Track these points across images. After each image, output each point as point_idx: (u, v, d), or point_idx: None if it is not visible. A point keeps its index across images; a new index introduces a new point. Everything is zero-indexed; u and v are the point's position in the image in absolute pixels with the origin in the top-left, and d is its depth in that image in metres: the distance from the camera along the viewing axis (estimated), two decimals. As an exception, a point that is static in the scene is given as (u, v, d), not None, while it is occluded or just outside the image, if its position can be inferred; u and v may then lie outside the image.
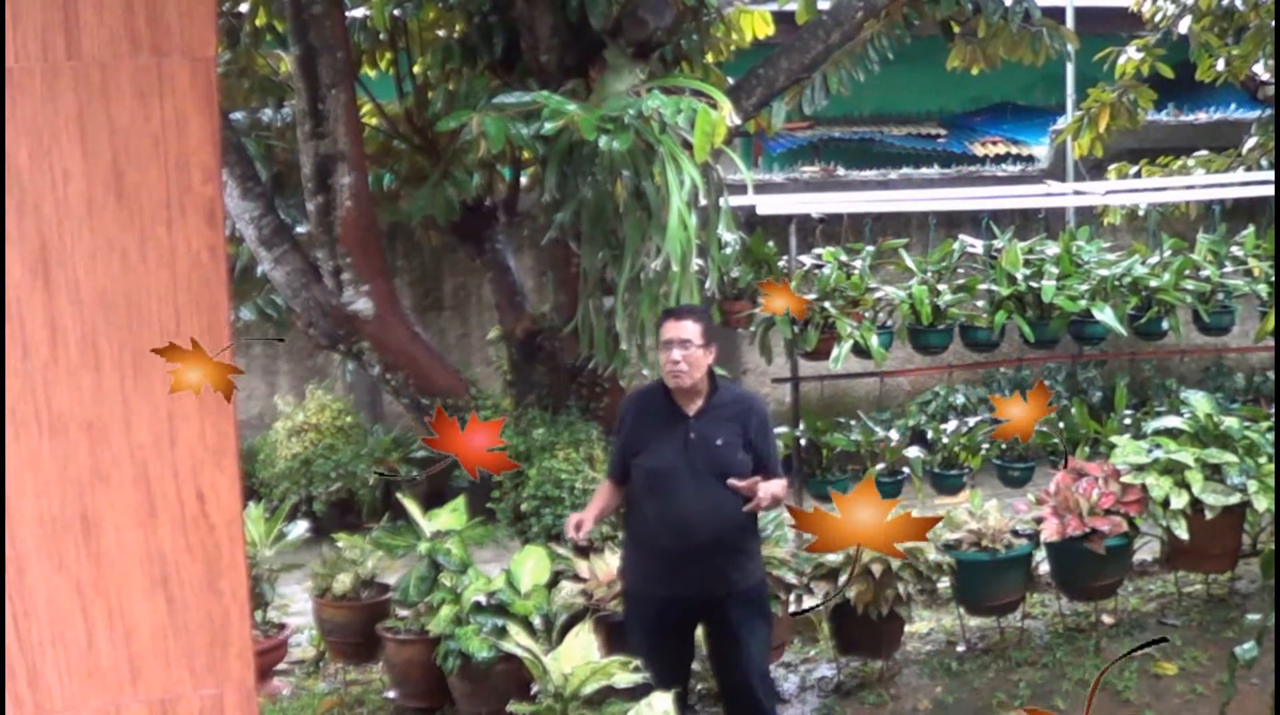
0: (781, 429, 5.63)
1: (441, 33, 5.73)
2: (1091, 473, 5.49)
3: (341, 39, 4.97)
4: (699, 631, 4.21)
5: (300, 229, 5.60)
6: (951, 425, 6.53)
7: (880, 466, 6.10)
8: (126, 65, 1.18)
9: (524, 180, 5.91)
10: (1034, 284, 6.08)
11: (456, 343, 9.04)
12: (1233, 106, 10.51)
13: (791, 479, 5.72)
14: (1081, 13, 9.93)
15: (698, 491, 3.89)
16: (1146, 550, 5.94)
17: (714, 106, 4.28)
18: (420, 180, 5.52)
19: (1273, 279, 6.22)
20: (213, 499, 1.22)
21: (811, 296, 6.01)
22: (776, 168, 10.86)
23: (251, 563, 5.22)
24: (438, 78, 5.58)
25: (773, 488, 3.88)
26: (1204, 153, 8.59)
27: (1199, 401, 5.82)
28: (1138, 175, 8.48)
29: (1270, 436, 5.55)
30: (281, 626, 5.51)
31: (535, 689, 4.08)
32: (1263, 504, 5.29)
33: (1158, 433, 5.72)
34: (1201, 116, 10.26)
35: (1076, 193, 8.00)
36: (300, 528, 5.71)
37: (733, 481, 3.83)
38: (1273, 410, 5.95)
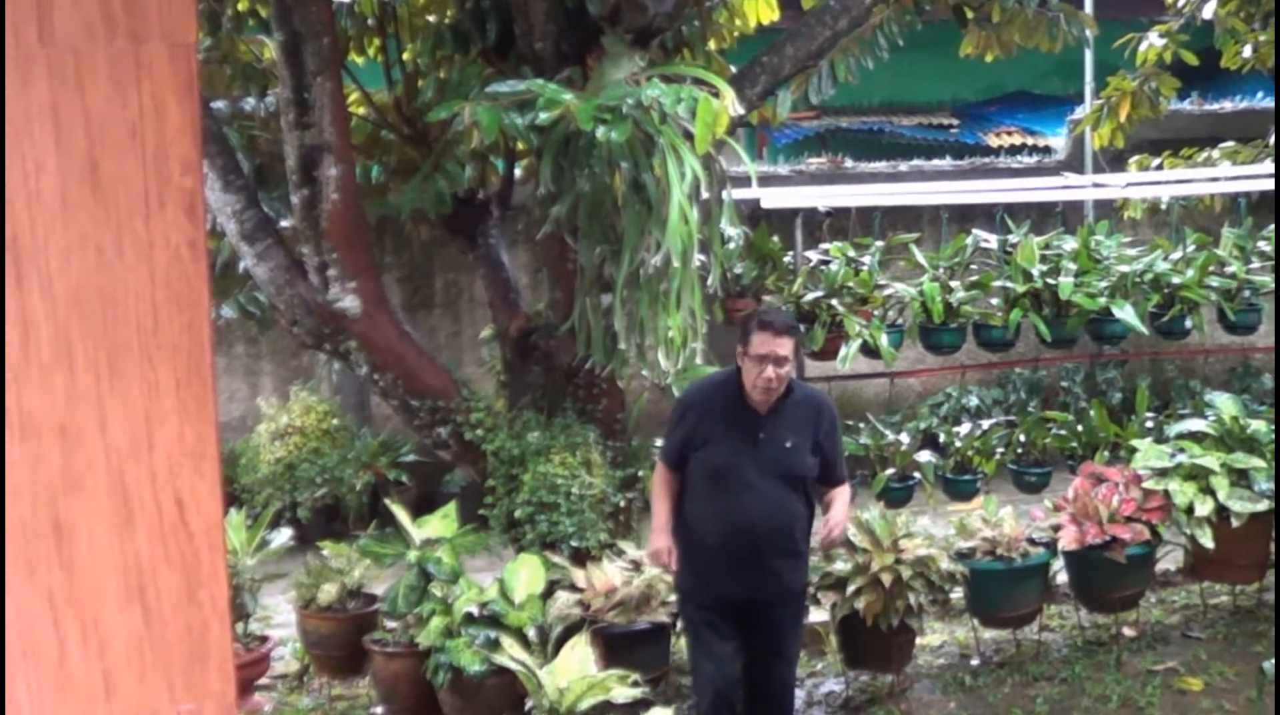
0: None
1: (432, 18, 5.72)
2: (1112, 478, 5.49)
3: (328, 24, 4.97)
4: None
5: (284, 223, 5.59)
6: (965, 428, 6.53)
7: (890, 471, 6.10)
8: (102, 51, 1.17)
9: (518, 172, 5.91)
10: (1051, 281, 6.08)
11: (448, 342, 9.03)
12: (1259, 95, 10.50)
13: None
14: (1101, -3, 9.93)
15: (762, 492, 3.96)
16: (1170, 559, 5.94)
17: (716, 95, 4.28)
18: (410, 172, 5.51)
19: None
20: (192, 505, 1.22)
21: (818, 294, 6.01)
22: (781, 159, 10.86)
23: (232, 572, 5.22)
24: (428, 65, 5.57)
25: (836, 516, 4.06)
26: (1229, 143, 8.59)
27: (1224, 403, 5.82)
28: (1160, 167, 8.48)
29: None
30: (264, 639, 5.51)
31: (529, 704, 4.09)
32: (1290, 511, 5.30)
33: (1181, 436, 5.72)
34: (1227, 105, 10.25)
35: (1095, 185, 7.99)
36: (283, 536, 5.70)
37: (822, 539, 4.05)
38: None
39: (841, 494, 4.16)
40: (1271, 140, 8.48)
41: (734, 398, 4.03)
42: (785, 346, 3.93)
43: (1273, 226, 6.64)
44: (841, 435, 4.24)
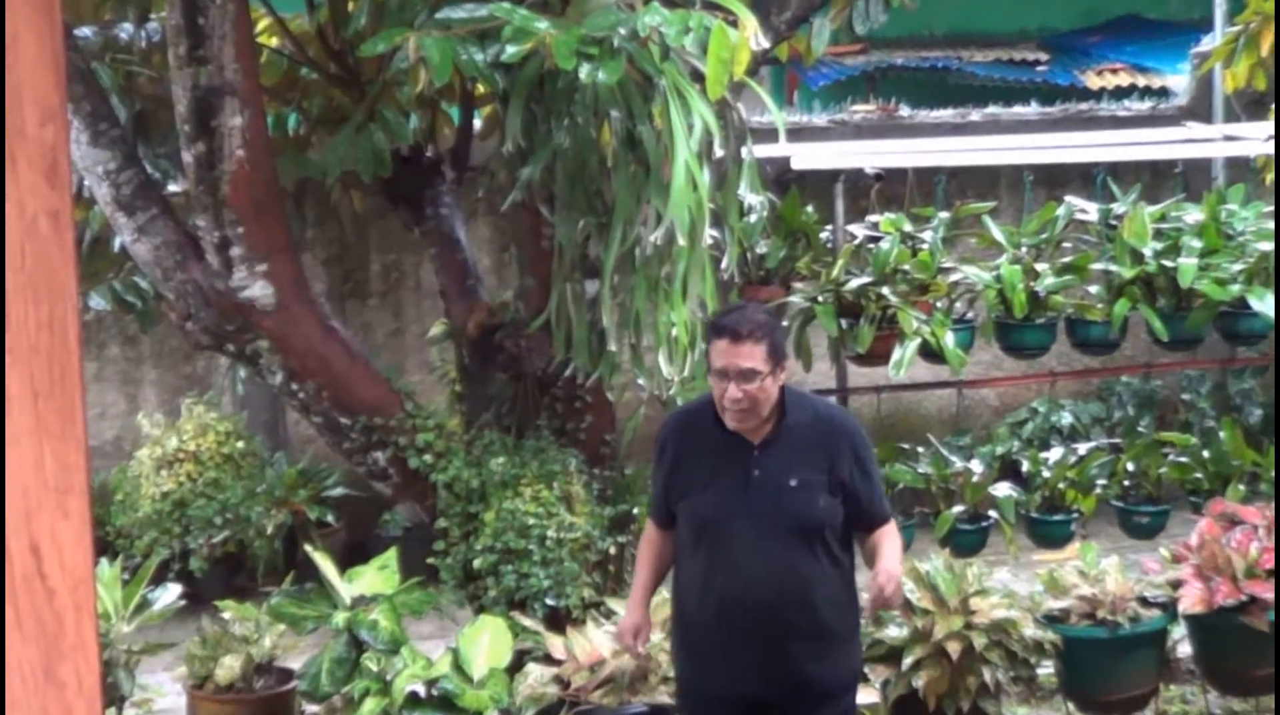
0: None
1: (365, -79, 5.73)
2: (1249, 520, 5.49)
3: (230, -70, 4.97)
4: None
5: (174, 187, 5.58)
6: (1055, 454, 6.53)
7: (959, 509, 6.10)
8: (-64, -34, 1.17)
9: (478, 124, 5.91)
10: (1168, 263, 6.09)
11: (387, 342, 9.03)
12: None
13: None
14: (1233, -105, 9.95)
15: (762, 551, 3.82)
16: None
17: (734, 25, 4.29)
18: (337, 122, 5.51)
19: None
20: (53, 555, 1.22)
21: (865, 280, 6.01)
22: (818, 107, 10.87)
23: (104, 642, 5.21)
24: (361, -17, 5.57)
25: (885, 565, 3.85)
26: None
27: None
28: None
29: None
30: (146, 728, 5.51)
31: (492, 812, 4.09)
32: None
33: (1338, 465, 5.73)
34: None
35: (1227, 138, 8.00)
36: (171, 593, 5.70)
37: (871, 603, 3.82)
38: None
39: (888, 536, 3.98)
40: None
41: (716, 425, 3.90)
42: (750, 355, 3.75)
43: None
44: (875, 462, 4.07)
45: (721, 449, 3.90)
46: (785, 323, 6.11)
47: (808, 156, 6.55)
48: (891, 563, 3.86)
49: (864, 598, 4.02)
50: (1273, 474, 5.88)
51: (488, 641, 4.79)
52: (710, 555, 3.89)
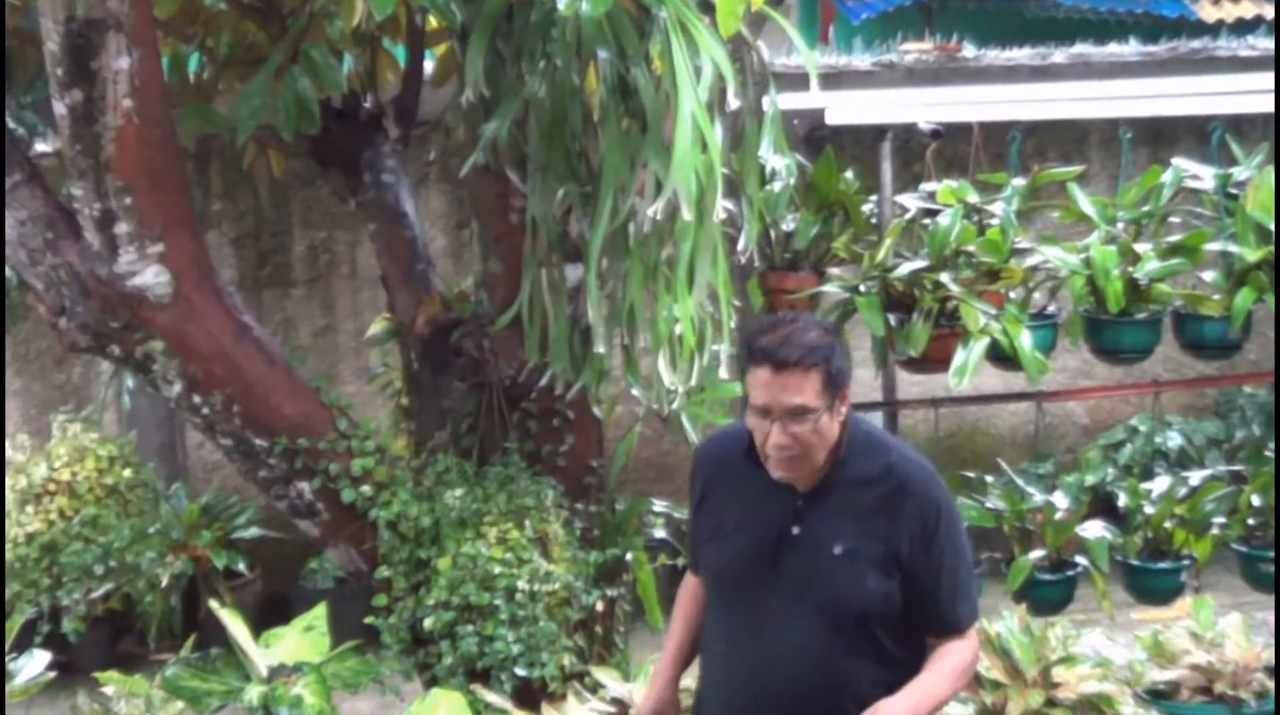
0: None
1: None
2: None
3: None
4: None
5: (43, 147, 5.57)
6: (1160, 484, 6.53)
7: (1038, 555, 6.10)
8: None
9: (429, 67, 5.92)
10: (1301, 243, 6.10)
11: (315, 342, 9.03)
12: None
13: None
14: None
15: (787, 628, 3.70)
16: None
17: (753, -61, 4.30)
18: (252, 65, 5.51)
19: None
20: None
21: (919, 264, 6.01)
22: (860, 45, 10.88)
23: (-42, 721, 5.21)
24: (280, -112, 5.58)
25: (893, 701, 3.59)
26: None
27: None
28: None
29: None
30: (9, 831, 5.51)
31: None
32: None
33: None
34: None
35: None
36: (38, 662, 5.69)
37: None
38: None
39: (949, 656, 3.73)
40: None
41: (754, 462, 3.74)
42: (799, 388, 3.55)
43: None
44: (955, 543, 3.73)
45: (757, 491, 3.76)
46: (819, 316, 6.10)
47: (846, 108, 6.56)
48: (906, 700, 3.61)
49: None
50: None
51: (441, 722, 4.80)
52: (729, 622, 3.81)
